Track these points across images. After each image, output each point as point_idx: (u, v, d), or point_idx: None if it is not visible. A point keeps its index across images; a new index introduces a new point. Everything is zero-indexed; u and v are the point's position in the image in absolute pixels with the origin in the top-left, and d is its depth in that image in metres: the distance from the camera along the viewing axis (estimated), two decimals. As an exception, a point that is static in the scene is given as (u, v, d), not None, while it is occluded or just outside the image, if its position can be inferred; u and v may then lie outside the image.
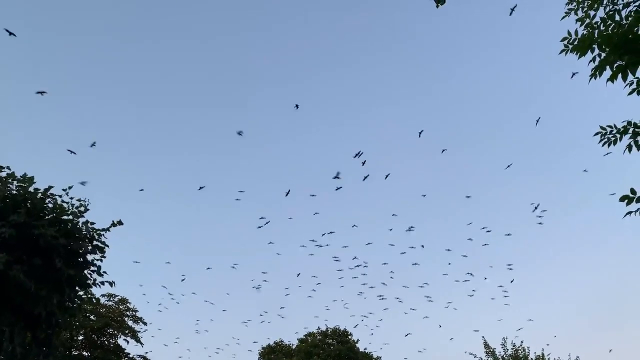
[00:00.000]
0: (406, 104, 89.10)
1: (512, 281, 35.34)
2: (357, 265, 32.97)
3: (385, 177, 28.43)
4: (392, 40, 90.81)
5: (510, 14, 17.00)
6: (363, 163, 22.66)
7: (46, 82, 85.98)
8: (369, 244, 34.32)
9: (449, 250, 36.13)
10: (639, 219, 6.91)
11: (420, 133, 26.09)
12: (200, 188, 29.73)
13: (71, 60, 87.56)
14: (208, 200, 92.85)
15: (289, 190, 28.79)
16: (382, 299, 36.23)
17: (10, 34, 12.18)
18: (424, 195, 31.47)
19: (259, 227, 30.63)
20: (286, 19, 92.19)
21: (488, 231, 32.18)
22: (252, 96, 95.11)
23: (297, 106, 20.72)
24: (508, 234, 32.68)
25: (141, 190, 18.08)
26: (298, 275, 35.04)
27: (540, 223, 29.92)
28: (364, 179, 27.86)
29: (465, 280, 33.40)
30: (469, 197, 30.96)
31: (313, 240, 32.14)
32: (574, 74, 15.41)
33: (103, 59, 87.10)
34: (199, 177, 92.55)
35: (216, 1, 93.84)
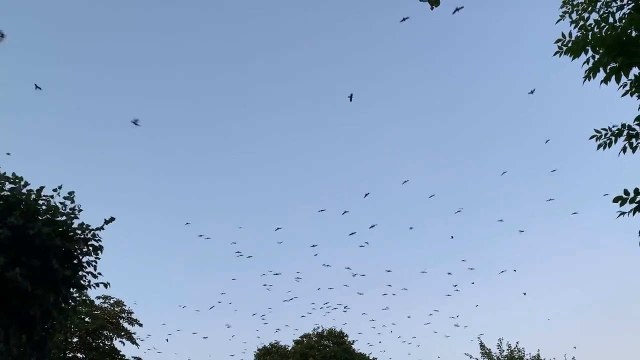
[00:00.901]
0: (406, 104, 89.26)
1: (524, 294, 36.33)
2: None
3: (370, 227, 30.03)
4: (392, 41, 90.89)
5: (531, 92, 18.17)
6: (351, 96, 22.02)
7: (45, 82, 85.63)
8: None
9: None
10: (633, 219, 6.95)
11: (404, 182, 28.84)
12: (187, 224, 32.34)
13: (72, 61, 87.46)
14: (205, 203, 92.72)
15: (279, 227, 30.76)
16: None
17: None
18: (431, 196, 31.98)
19: (249, 256, 32.34)
20: (286, 19, 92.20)
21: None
22: (251, 97, 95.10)
23: (350, 98, 19.55)
24: (521, 230, 33.62)
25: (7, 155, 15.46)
26: (290, 300, 36.50)
27: (456, 288, 31.77)
28: (350, 234, 29.68)
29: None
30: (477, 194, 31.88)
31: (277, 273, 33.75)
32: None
33: (103, 60, 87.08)
34: (195, 177, 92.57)
35: (215, 2, 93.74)
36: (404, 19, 17.97)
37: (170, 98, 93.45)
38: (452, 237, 32.36)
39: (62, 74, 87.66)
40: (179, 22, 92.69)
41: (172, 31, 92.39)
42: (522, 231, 34.41)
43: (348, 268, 36.09)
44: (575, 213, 30.00)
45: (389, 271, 36.93)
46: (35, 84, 12.39)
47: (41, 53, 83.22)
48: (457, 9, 17.11)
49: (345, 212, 29.74)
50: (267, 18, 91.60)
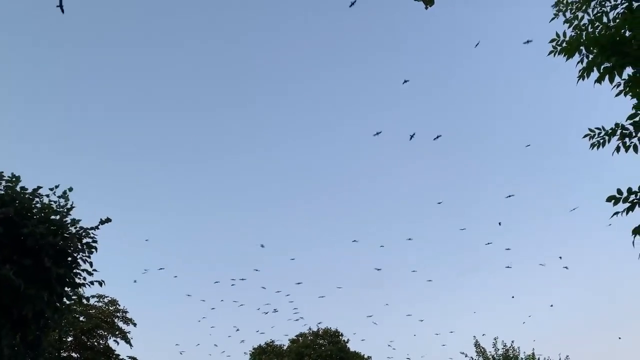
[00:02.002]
0: (406, 104, 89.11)
1: (551, 305, 36.96)
2: None
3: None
4: (392, 41, 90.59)
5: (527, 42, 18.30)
6: None
7: (48, 82, 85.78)
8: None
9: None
10: (626, 219, 6.98)
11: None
12: (160, 269, 33.58)
13: (74, 61, 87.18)
14: (204, 203, 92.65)
15: (241, 275, 31.76)
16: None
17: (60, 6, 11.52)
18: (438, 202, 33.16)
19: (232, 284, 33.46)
20: (286, 19, 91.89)
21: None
22: (251, 97, 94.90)
23: (412, 136, 20.81)
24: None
25: None
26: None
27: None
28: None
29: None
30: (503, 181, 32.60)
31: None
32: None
33: (105, 61, 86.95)
34: (195, 177, 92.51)
35: (215, 2, 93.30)
36: (405, 81, 18.79)
37: (170, 98, 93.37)
38: (499, 224, 33.31)
39: (64, 75, 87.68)
40: (179, 23, 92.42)
41: (172, 31, 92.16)
42: (502, 223, 35.15)
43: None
44: (574, 209, 30.71)
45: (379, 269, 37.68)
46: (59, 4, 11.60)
47: (43, 54, 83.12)
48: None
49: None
50: (267, 18, 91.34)
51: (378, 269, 39.00)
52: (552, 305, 37.06)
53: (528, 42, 18.99)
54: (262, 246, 33.18)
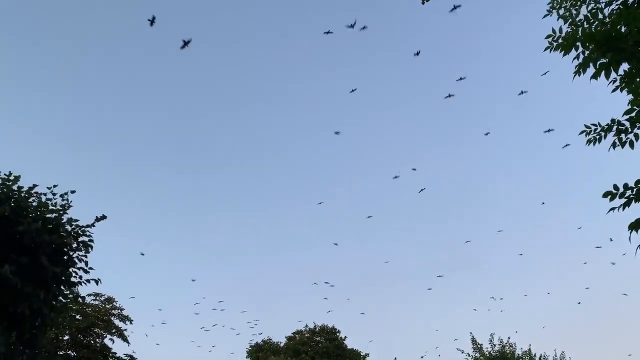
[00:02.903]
0: (406, 104, 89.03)
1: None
2: None
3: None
4: (392, 41, 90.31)
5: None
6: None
7: (45, 82, 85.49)
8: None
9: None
10: (622, 214, 7.00)
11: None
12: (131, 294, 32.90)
13: (83, 61, 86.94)
14: (201, 205, 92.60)
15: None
16: None
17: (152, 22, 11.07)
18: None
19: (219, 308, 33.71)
20: (285, 19, 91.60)
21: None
22: (251, 98, 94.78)
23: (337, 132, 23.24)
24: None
25: None
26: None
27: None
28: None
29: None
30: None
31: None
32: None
33: (109, 63, 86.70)
34: (192, 178, 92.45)
35: (215, 2, 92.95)
36: None
37: (171, 100, 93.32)
38: (543, 203, 33.91)
39: (67, 75, 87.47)
40: (178, 24, 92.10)
41: (172, 32, 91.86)
42: (501, 231, 35.82)
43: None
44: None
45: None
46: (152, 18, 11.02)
47: (43, 54, 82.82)
48: (455, 7, 17.54)
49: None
50: (267, 18, 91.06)
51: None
52: (579, 303, 37.31)
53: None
54: (142, 254, 33.27)
